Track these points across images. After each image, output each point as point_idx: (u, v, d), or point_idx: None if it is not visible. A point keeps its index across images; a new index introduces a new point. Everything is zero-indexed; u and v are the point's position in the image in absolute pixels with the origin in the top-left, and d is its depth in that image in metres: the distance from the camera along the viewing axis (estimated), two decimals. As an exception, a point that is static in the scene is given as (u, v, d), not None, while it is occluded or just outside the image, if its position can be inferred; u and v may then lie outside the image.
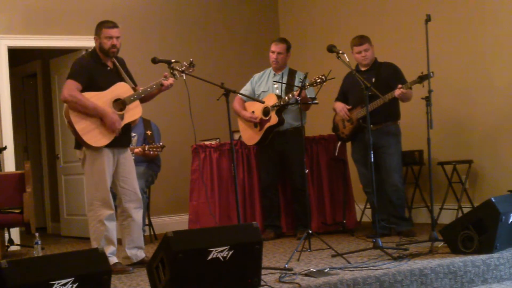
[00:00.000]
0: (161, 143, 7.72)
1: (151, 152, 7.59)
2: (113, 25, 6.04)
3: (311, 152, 7.96)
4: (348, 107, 7.35)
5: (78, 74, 5.90)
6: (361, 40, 7.29)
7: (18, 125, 10.72)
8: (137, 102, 6.07)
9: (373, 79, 7.13)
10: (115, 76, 6.08)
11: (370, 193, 7.16)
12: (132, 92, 6.03)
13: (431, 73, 6.58)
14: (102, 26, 6.03)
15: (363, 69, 7.34)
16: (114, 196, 6.16)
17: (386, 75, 7.20)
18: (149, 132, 8.01)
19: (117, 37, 6.02)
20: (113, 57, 6.08)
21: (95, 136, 5.84)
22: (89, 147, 5.88)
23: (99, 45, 6.02)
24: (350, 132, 7.39)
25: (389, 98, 6.95)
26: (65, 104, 5.91)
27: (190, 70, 6.16)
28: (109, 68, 6.08)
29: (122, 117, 5.97)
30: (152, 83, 6.10)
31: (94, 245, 5.92)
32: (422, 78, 6.68)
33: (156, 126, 8.18)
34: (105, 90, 5.93)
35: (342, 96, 7.51)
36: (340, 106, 7.40)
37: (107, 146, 5.92)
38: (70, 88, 5.82)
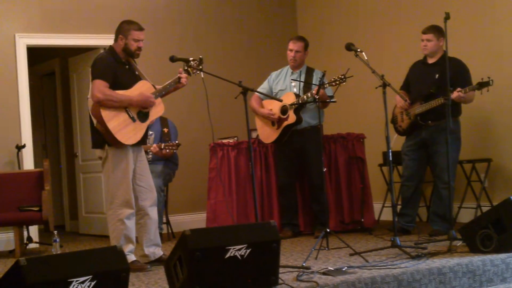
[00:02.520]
0: (177, 141, 7.71)
1: (167, 150, 7.59)
2: (141, 28, 6.06)
3: (329, 150, 7.94)
4: (409, 102, 7.21)
5: (104, 73, 5.90)
6: (427, 29, 7.16)
7: (37, 123, 10.77)
8: (159, 99, 6.10)
9: (437, 75, 7.05)
10: (133, 75, 6.11)
11: (406, 186, 7.16)
12: (153, 90, 6.06)
13: (491, 81, 6.51)
14: (130, 27, 6.02)
15: (430, 61, 7.23)
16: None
17: (451, 73, 6.98)
18: (165, 130, 8.02)
19: (142, 40, 6.06)
20: (136, 58, 6.11)
21: (126, 134, 5.87)
22: (118, 145, 5.88)
23: (124, 45, 6.02)
24: (407, 126, 7.29)
25: (442, 102, 6.79)
26: (91, 103, 5.90)
27: (200, 68, 6.16)
28: (127, 67, 6.10)
29: (147, 115, 6.01)
30: (170, 81, 6.13)
31: (113, 243, 5.92)
32: (481, 85, 6.60)
33: (173, 124, 8.19)
34: (129, 88, 5.96)
35: (406, 87, 7.39)
36: (401, 99, 7.23)
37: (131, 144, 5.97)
38: (100, 88, 5.81)
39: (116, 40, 6.07)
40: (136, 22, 6.10)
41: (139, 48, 6.05)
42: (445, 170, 6.90)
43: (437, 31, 7.10)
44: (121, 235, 5.94)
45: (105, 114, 5.80)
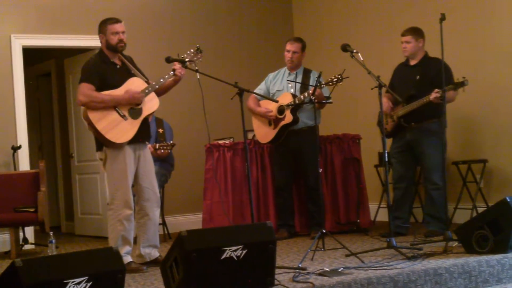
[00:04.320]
0: (171, 142, 7.70)
1: (162, 151, 7.58)
2: (117, 20, 6.05)
3: (325, 151, 7.95)
4: (391, 105, 7.25)
5: (89, 76, 5.91)
6: (406, 31, 7.21)
7: (33, 124, 10.74)
8: (153, 94, 6.08)
9: (418, 77, 7.07)
10: (125, 74, 6.09)
11: (398, 189, 7.17)
12: (146, 85, 6.05)
13: (466, 81, 6.54)
14: (106, 23, 6.04)
15: (411, 63, 7.27)
16: (133, 194, 6.17)
17: (432, 73, 7.01)
18: (160, 130, 8.01)
19: (123, 32, 6.04)
20: (121, 52, 6.08)
21: (118, 133, 5.86)
22: (111, 145, 5.88)
23: (105, 42, 6.03)
24: (392, 128, 7.32)
25: (424, 102, 6.85)
26: (82, 108, 5.91)
27: (199, 56, 6.15)
28: (118, 66, 6.09)
29: (140, 111, 5.99)
30: (165, 75, 6.11)
31: (111, 243, 5.94)
32: (457, 85, 6.63)
33: (168, 124, 8.18)
34: (119, 88, 5.94)
35: (391, 88, 7.42)
36: (384, 102, 7.24)
37: (129, 143, 5.94)
38: (83, 91, 5.84)
39: (100, 41, 6.09)
40: (112, 17, 6.11)
41: (121, 41, 6.01)
42: (431, 171, 7.02)
43: (416, 32, 7.18)
44: (118, 236, 5.94)
45: (93, 116, 5.80)
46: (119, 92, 5.92)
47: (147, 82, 6.10)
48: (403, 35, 7.23)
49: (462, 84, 6.59)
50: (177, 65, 6.14)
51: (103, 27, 6.04)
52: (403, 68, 7.35)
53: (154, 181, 6.21)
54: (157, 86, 6.09)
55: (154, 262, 6.12)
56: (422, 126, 7.07)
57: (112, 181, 6.02)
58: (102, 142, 5.92)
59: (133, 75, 6.10)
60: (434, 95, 6.78)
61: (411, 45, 7.19)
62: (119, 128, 5.87)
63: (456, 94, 6.91)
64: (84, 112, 5.87)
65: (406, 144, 7.20)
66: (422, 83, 6.88)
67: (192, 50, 6.18)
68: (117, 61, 6.10)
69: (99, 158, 6.16)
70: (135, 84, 6.01)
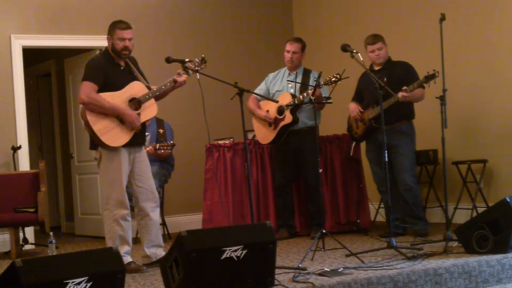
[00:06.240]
0: (172, 142, 7.70)
1: (162, 151, 7.58)
2: (126, 26, 6.01)
3: (325, 151, 7.95)
4: (361, 109, 7.32)
5: (94, 75, 5.90)
6: (375, 39, 7.28)
7: (33, 124, 10.76)
8: (152, 100, 6.07)
9: (385, 79, 7.11)
10: (128, 76, 6.08)
11: (384, 192, 7.16)
12: (146, 90, 6.04)
13: (436, 73, 6.56)
14: (115, 26, 6.00)
15: (376, 68, 7.32)
16: (130, 196, 6.17)
17: (398, 75, 7.15)
18: (161, 131, 8.02)
19: (130, 39, 6.00)
20: (125, 58, 6.08)
21: (113, 136, 5.85)
22: (106, 147, 5.88)
23: (111, 45, 6.02)
24: (363, 132, 7.38)
25: (393, 101, 6.90)
26: (81, 106, 5.91)
27: (202, 66, 6.14)
28: (122, 68, 6.08)
29: (138, 116, 5.98)
30: (166, 81, 6.11)
31: (109, 244, 5.92)
32: (428, 78, 6.67)
33: (169, 125, 8.19)
34: (120, 90, 5.93)
35: (358, 96, 7.50)
36: (353, 107, 7.40)
37: (124, 145, 5.93)
38: (87, 90, 5.82)
39: (108, 42, 6.08)
40: (124, 21, 6.06)
41: (126, 48, 5.99)
42: (402, 171, 7.15)
43: (382, 38, 7.31)
44: (116, 236, 5.94)
45: (91, 116, 5.80)
46: (120, 96, 5.91)
47: (147, 86, 6.09)
48: (373, 43, 7.28)
49: (433, 76, 6.62)
50: (181, 78, 6.11)
51: (111, 30, 6.01)
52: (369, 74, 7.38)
53: (151, 181, 6.20)
54: (157, 93, 6.08)
55: (160, 262, 6.11)
56: (393, 128, 7.12)
57: (107, 181, 6.01)
58: (97, 143, 5.92)
59: (135, 77, 6.09)
60: (401, 93, 6.85)
61: (383, 51, 7.28)
62: (115, 132, 5.86)
63: (423, 92, 6.94)
64: (82, 111, 5.86)
65: (380, 145, 7.19)
66: (390, 85, 6.91)
67: (196, 60, 6.16)
68: (121, 63, 6.09)
69: (93, 157, 6.16)
70: (136, 89, 6.00)
